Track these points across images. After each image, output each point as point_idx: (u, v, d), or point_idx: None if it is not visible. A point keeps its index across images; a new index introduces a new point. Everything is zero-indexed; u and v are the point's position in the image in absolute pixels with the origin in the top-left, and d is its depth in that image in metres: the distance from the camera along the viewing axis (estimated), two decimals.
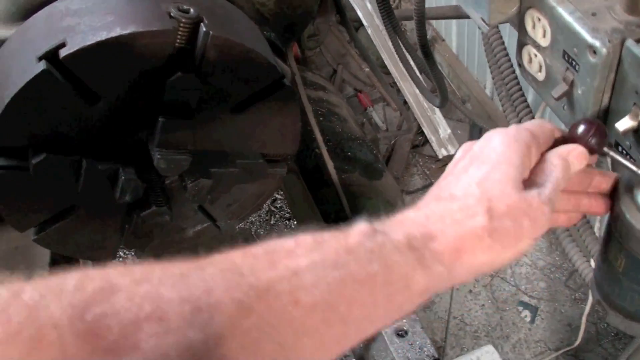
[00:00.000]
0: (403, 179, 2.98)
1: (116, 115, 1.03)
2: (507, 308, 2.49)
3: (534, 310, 2.46)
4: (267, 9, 1.34)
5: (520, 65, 0.82)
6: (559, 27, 0.71)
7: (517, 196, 0.60)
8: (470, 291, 2.58)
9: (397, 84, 3.03)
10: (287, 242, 0.50)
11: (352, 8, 2.96)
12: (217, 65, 1.01)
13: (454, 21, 3.08)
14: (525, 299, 2.50)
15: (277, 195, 1.43)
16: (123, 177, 1.07)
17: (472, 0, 0.79)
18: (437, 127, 2.92)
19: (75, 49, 0.92)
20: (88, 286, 0.39)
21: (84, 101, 0.97)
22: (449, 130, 2.90)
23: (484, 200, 0.59)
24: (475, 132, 3.12)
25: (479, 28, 0.94)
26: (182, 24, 0.96)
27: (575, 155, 0.66)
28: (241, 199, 1.28)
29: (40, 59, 0.92)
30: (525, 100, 0.94)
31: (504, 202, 0.59)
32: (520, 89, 0.94)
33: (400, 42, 1.62)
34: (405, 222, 0.58)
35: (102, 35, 0.92)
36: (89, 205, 1.13)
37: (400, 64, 3.02)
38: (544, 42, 0.74)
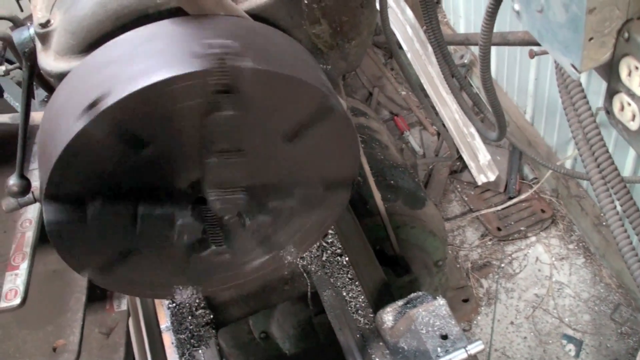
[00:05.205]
0: (441, 205, 2.94)
1: (166, 158, 1.01)
2: (551, 341, 2.42)
3: (578, 344, 2.40)
4: (322, 40, 1.32)
5: (609, 112, 0.78)
6: None
7: None
8: (512, 323, 2.51)
9: (436, 108, 2.99)
10: None
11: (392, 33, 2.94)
12: (259, 97, 0.99)
13: (493, 47, 3.05)
14: (570, 332, 2.43)
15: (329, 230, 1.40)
16: (180, 221, 1.04)
17: (560, 46, 0.75)
18: (477, 153, 2.87)
19: (114, 102, 0.90)
20: None
21: (130, 148, 0.96)
22: (488, 157, 2.85)
23: None
24: (515, 158, 3.06)
25: (557, 71, 0.90)
26: (220, 62, 0.93)
27: None
28: (304, 226, 1.24)
29: (82, 113, 0.92)
30: (605, 145, 0.90)
31: None
32: (600, 134, 0.90)
33: (451, 72, 1.59)
34: None
35: (140, 84, 0.90)
36: (146, 247, 1.11)
37: (441, 89, 2.99)
38: None
